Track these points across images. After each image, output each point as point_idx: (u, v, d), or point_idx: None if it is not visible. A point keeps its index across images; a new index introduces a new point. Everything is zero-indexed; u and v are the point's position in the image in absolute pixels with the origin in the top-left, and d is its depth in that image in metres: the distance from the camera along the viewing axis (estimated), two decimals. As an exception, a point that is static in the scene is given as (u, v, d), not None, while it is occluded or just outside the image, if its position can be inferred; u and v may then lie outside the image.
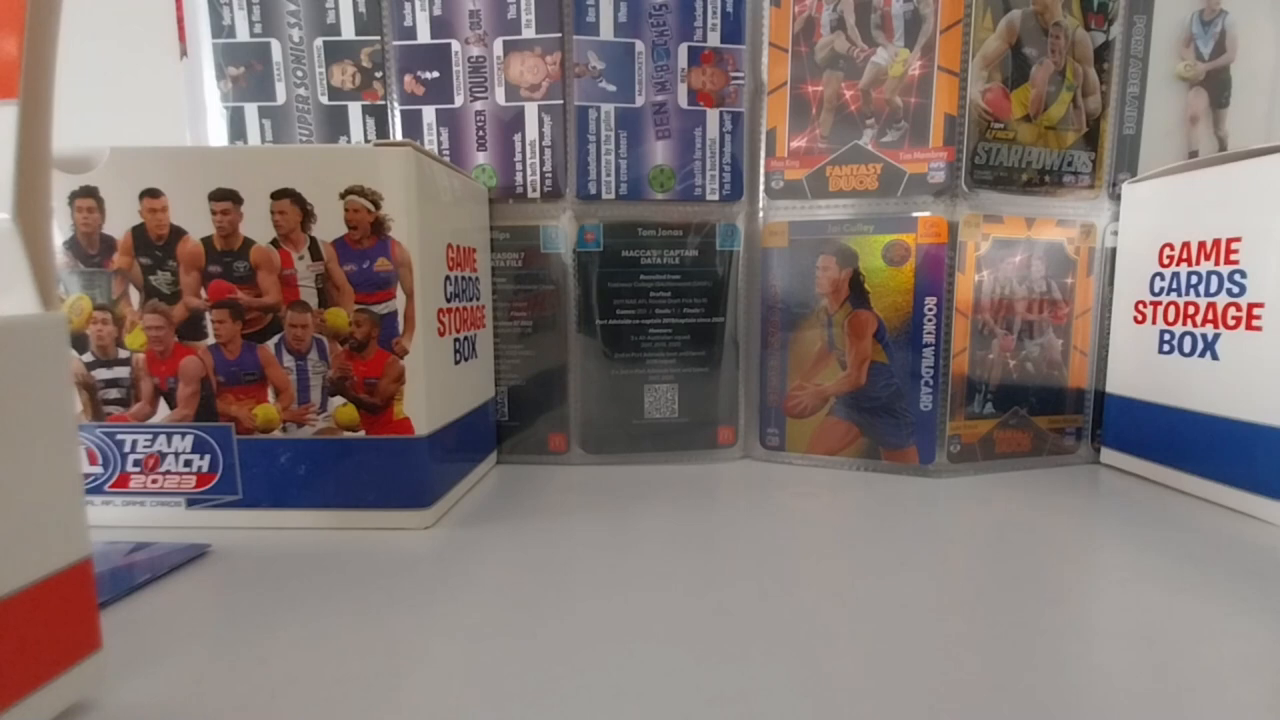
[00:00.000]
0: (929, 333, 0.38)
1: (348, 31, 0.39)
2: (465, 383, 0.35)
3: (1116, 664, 0.19)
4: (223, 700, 0.18)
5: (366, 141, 0.40)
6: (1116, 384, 0.40)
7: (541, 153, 0.40)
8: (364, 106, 0.40)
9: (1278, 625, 0.21)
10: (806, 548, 0.28)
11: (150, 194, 0.28)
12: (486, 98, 0.39)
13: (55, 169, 0.28)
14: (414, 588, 0.24)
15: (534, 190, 0.40)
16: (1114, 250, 0.40)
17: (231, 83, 0.40)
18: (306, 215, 0.29)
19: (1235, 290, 0.32)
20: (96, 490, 0.30)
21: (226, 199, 0.29)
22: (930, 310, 0.38)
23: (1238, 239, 0.32)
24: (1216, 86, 0.41)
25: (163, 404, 0.30)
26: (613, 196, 0.40)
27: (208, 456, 0.30)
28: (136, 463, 0.30)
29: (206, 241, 0.29)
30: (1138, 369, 0.38)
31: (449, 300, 0.33)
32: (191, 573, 0.26)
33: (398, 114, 0.40)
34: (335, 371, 0.29)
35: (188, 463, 0.30)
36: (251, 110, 0.40)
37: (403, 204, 0.29)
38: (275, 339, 0.29)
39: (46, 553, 0.16)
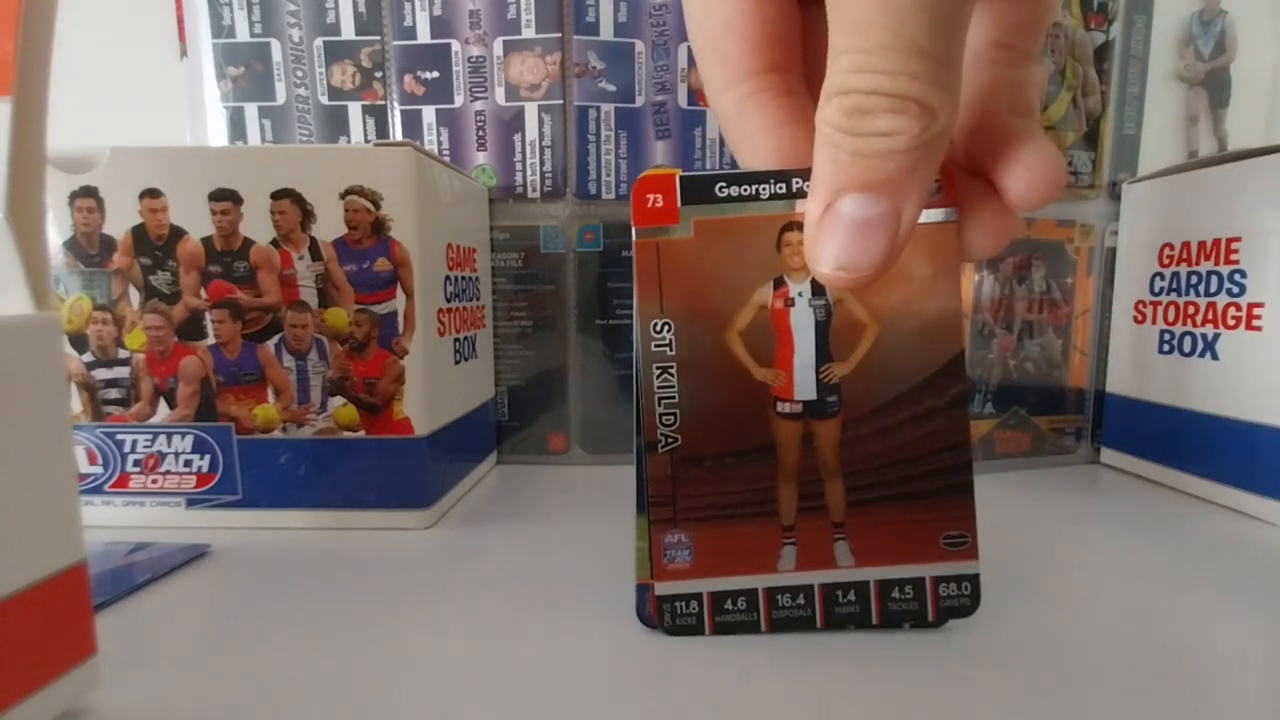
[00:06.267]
0: (929, 333, 0.38)
1: (348, 31, 0.39)
2: (465, 383, 0.35)
3: (1116, 663, 0.19)
4: (222, 702, 0.18)
5: (366, 141, 0.40)
6: (1116, 384, 0.40)
7: (541, 153, 0.40)
8: (364, 106, 0.40)
9: (1278, 624, 0.21)
10: (806, 548, 0.28)
11: (150, 194, 0.28)
12: (486, 98, 0.39)
13: (55, 169, 0.28)
14: (414, 588, 0.24)
15: (534, 190, 0.40)
16: (1114, 250, 0.40)
17: (231, 83, 0.40)
18: (306, 215, 0.29)
19: (1235, 290, 0.32)
20: (96, 490, 0.30)
21: (226, 199, 0.29)
22: (930, 310, 0.38)
23: (1238, 239, 0.32)
24: (1216, 86, 0.41)
25: (163, 404, 0.30)
26: (613, 196, 0.40)
27: (208, 456, 0.30)
28: (136, 463, 0.30)
29: (206, 241, 0.29)
30: (1138, 369, 0.38)
31: (449, 300, 0.33)
32: (191, 573, 0.26)
33: (398, 114, 0.40)
34: (335, 371, 0.29)
35: (188, 463, 0.30)
36: (251, 110, 0.40)
37: (403, 204, 0.29)
38: (275, 339, 0.29)
39: (40, 557, 0.16)
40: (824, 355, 0.19)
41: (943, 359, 0.19)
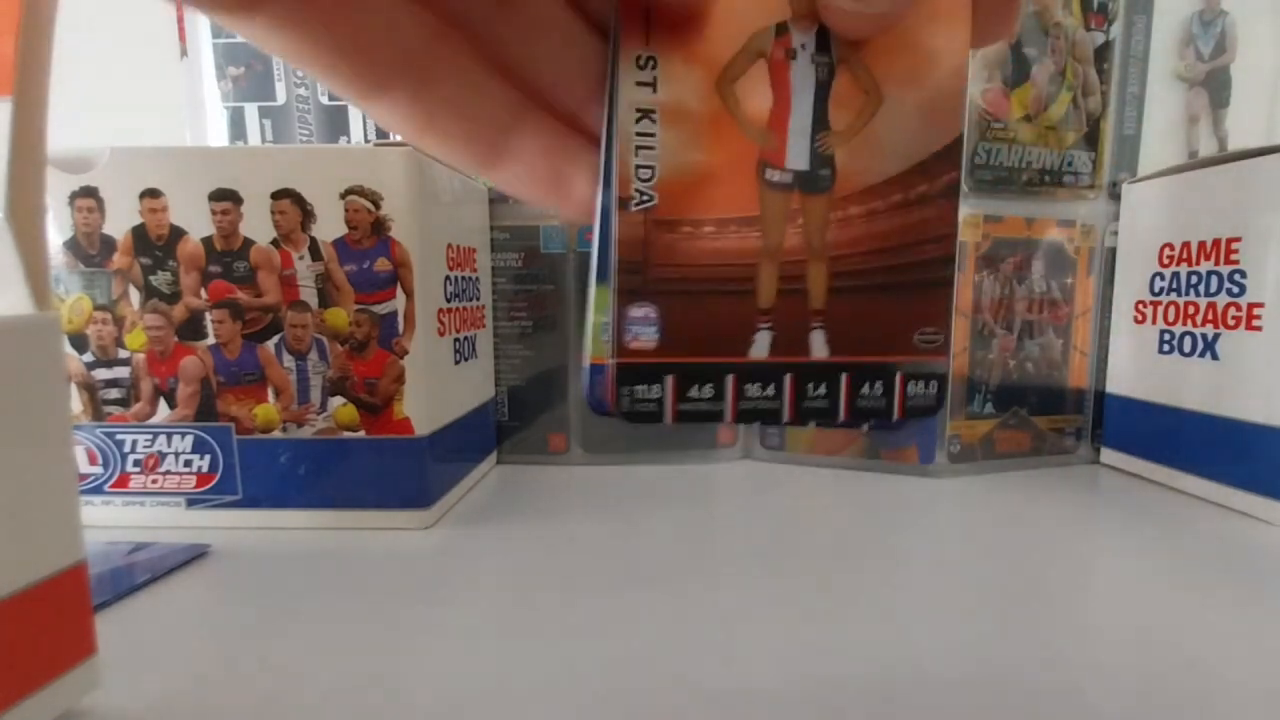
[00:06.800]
0: (929, 332, 0.38)
1: (348, 31, 0.39)
2: (465, 383, 0.35)
3: (1116, 663, 0.19)
4: (221, 702, 0.18)
5: (366, 141, 0.40)
6: (1116, 384, 0.40)
7: (541, 153, 0.40)
8: (364, 106, 0.40)
9: (1277, 624, 0.21)
10: (806, 549, 0.28)
11: (150, 194, 0.28)
12: (486, 98, 0.39)
13: (56, 169, 0.28)
14: (414, 588, 0.24)
15: (534, 190, 0.40)
16: (1114, 250, 0.40)
17: (231, 83, 0.40)
18: (306, 215, 0.29)
19: (1235, 290, 0.32)
20: (96, 490, 0.30)
21: (226, 199, 0.29)
22: (930, 310, 0.38)
23: (1238, 239, 0.32)
24: (1216, 86, 0.41)
25: (163, 404, 0.30)
26: (613, 196, 0.40)
27: (208, 456, 0.30)
28: (136, 463, 0.30)
29: (206, 241, 0.29)
30: (1138, 369, 0.38)
31: (449, 300, 0.33)
32: (191, 573, 0.26)
33: (398, 114, 0.40)
34: (335, 371, 0.29)
35: (188, 463, 0.30)
36: (251, 110, 0.40)
37: (403, 204, 0.29)
38: (275, 339, 0.29)
39: (40, 557, 0.16)
40: (821, 122, 0.17)
41: (941, 142, 0.17)
